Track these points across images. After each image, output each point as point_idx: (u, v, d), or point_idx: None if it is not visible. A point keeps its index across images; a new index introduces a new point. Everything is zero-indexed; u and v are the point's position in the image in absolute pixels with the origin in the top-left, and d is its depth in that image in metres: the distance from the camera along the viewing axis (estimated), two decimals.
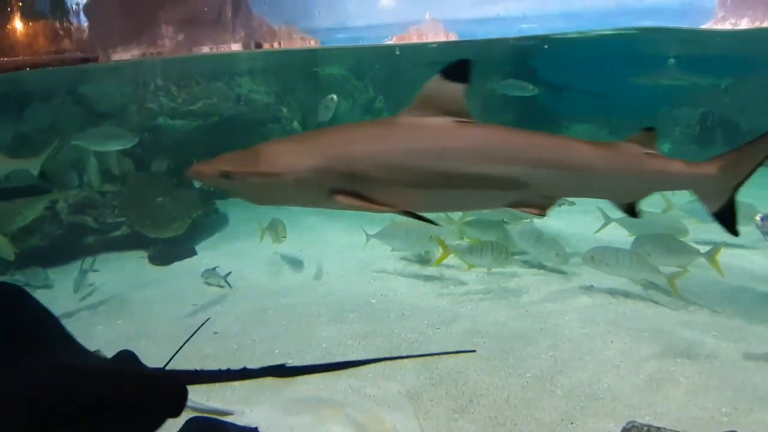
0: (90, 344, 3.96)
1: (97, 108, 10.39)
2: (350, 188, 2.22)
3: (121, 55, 9.30)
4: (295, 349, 4.80)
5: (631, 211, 2.66)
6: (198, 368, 4.44)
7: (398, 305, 5.62)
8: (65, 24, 8.46)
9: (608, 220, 6.65)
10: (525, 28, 12.83)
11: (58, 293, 6.65)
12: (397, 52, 12.72)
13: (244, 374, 4.18)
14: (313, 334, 5.07)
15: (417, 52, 13.13)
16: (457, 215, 6.65)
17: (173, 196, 7.85)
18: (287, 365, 3.96)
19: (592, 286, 5.80)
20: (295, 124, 10.84)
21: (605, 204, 3.20)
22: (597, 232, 6.85)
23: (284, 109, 10.82)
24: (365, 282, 6.34)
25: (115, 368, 2.59)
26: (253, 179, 2.27)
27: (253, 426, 3.61)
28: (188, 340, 3.89)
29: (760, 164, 2.50)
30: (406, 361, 4.55)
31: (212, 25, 10.00)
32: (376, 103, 13.49)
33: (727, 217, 2.55)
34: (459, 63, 2.38)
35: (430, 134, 2.32)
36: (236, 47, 10.75)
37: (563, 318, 5.16)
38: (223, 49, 10.03)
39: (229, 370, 4.24)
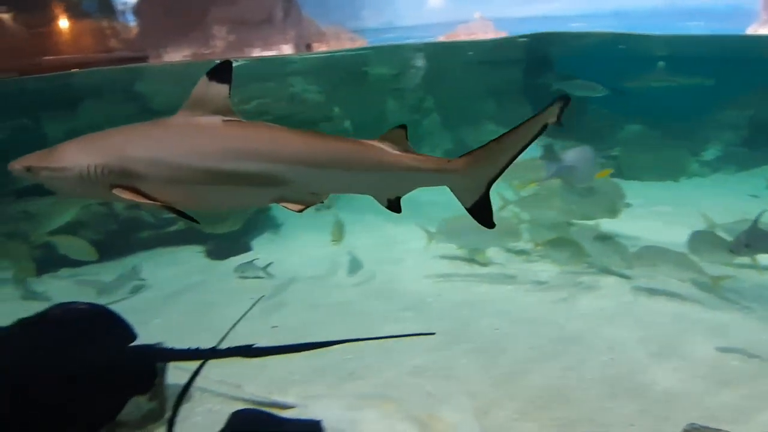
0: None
1: (151, 105, 10.68)
2: (126, 183, 2.37)
3: (172, 56, 9.52)
4: (351, 346, 4.78)
5: (393, 207, 2.74)
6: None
7: (454, 305, 5.54)
8: (113, 23, 8.64)
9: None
10: (575, 27, 12.58)
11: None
12: (470, 53, 12.64)
13: (215, 354, 3.93)
14: (368, 332, 5.04)
15: (466, 51, 13.03)
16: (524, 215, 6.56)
17: None
18: (254, 346, 3.71)
19: (650, 288, 5.60)
20: (347, 123, 10.87)
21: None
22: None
23: (336, 108, 10.87)
24: (421, 281, 6.28)
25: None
26: (45, 173, 2.46)
27: (317, 419, 3.61)
28: (242, 317, 3.91)
29: (511, 160, 2.50)
30: (465, 361, 4.47)
31: (263, 25, 10.16)
32: (425, 102, 13.42)
33: (481, 212, 2.58)
34: (221, 65, 2.54)
35: (196, 133, 2.45)
36: (287, 48, 10.90)
37: (623, 322, 4.99)
38: (274, 50, 10.19)
39: (198, 349, 3.92)
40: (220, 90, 2.49)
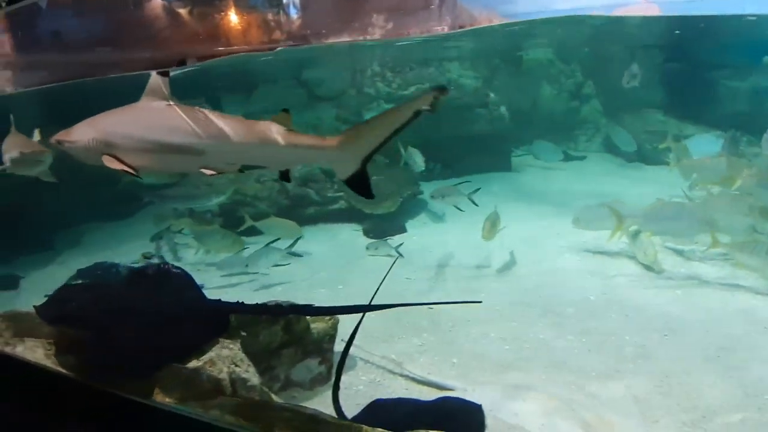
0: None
1: (317, 92, 11.38)
2: (111, 152, 3.06)
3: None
4: (510, 335, 4.72)
5: (284, 177, 3.21)
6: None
7: (620, 305, 5.19)
8: (278, 16, 9.17)
9: None
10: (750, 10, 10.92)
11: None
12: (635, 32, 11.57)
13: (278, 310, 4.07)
14: (528, 324, 4.92)
15: (628, 32, 11.95)
16: None
17: (386, 176, 8.25)
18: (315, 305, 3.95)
19: None
20: (502, 109, 10.64)
21: None
22: None
23: (491, 94, 10.69)
24: (583, 277, 5.99)
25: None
26: (67, 145, 3.18)
27: (478, 403, 3.60)
28: (383, 280, 4.02)
29: (385, 141, 2.74)
30: (632, 366, 4.19)
31: (419, 12, 10.25)
32: (585, 88, 12.65)
33: (358, 185, 2.89)
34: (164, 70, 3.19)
35: (149, 113, 3.10)
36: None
37: None
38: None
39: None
40: (165, 82, 3.14)
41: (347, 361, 4.30)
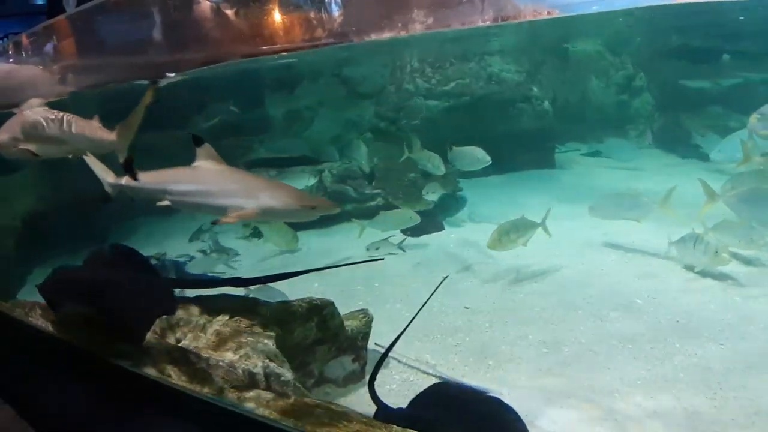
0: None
1: (358, 89, 11.36)
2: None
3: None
4: (551, 338, 4.55)
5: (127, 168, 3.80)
6: None
7: (670, 310, 4.93)
8: (320, 14, 9.17)
9: None
10: None
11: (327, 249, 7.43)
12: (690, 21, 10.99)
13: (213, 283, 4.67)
14: (569, 327, 4.74)
15: (686, 18, 11.34)
16: None
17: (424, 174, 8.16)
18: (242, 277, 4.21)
19: None
20: (546, 104, 10.35)
21: None
22: None
23: (534, 88, 10.41)
24: (629, 279, 5.73)
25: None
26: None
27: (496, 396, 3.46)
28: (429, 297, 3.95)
29: (136, 129, 3.54)
30: (682, 375, 3.95)
31: (461, 6, 10.08)
32: (636, 81, 12.16)
33: (128, 168, 3.68)
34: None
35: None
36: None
37: None
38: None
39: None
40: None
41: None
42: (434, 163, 7.54)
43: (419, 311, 3.75)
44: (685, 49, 12.09)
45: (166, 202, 4.08)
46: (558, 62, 12.19)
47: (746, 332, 4.44)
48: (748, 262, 5.78)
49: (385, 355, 3.57)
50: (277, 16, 8.91)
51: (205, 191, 3.92)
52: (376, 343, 4.32)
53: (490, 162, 7.19)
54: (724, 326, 4.57)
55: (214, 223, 3.91)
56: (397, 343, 4.43)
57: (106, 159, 4.30)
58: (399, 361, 4.33)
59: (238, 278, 4.21)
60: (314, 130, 10.59)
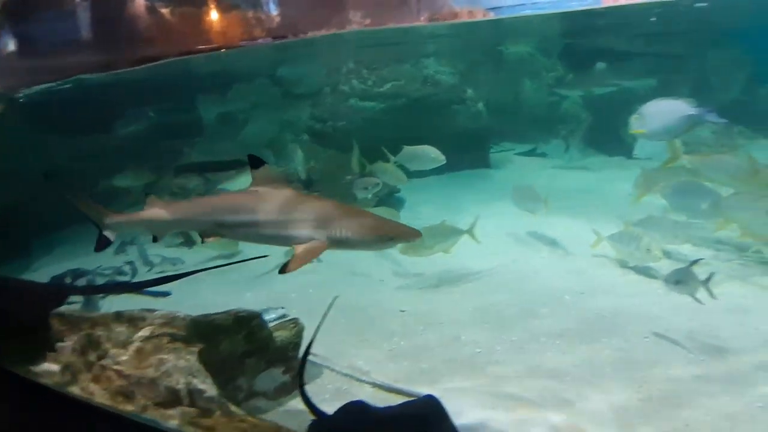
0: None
1: (293, 90, 11.17)
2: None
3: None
4: (484, 338, 4.57)
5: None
6: None
7: (597, 305, 5.06)
8: (258, 13, 9.03)
9: None
10: None
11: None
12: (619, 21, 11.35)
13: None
14: (501, 325, 4.78)
15: (615, 20, 11.83)
16: None
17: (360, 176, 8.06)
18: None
19: None
20: (480, 105, 10.51)
21: None
22: None
23: (469, 90, 10.55)
24: (559, 275, 5.86)
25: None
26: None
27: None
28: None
29: None
30: (609, 370, 4.03)
31: (398, 8, 10.11)
32: (567, 82, 12.56)
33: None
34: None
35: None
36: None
37: None
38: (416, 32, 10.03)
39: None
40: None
41: (312, 370, 4.17)
42: (396, 175, 7.30)
43: (320, 324, 3.57)
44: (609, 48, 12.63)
45: (214, 237, 3.55)
46: (492, 64, 12.41)
47: (670, 325, 4.60)
48: (670, 255, 6.03)
49: (303, 365, 3.45)
50: (214, 15, 8.61)
51: (266, 221, 3.34)
52: (310, 353, 4.21)
53: (445, 161, 7.07)
54: (649, 319, 4.72)
55: (282, 271, 3.14)
56: (330, 351, 4.38)
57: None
58: (332, 370, 4.23)
59: (126, 283, 4.03)
60: (248, 132, 10.31)
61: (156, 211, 3.65)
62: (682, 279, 4.45)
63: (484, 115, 10.46)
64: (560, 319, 4.81)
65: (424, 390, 3.83)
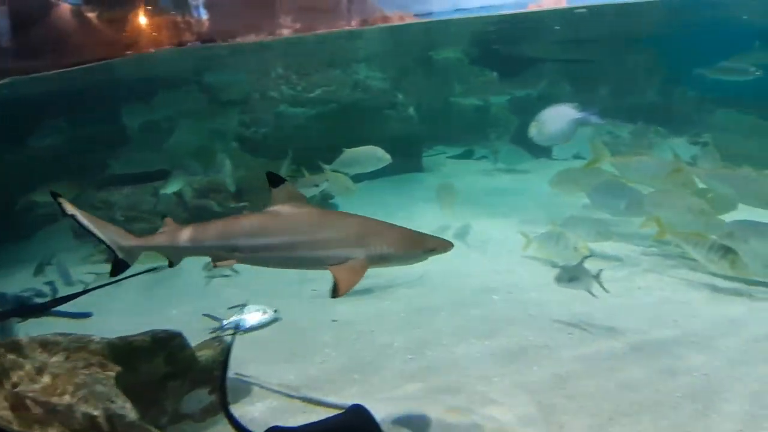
0: None
1: (221, 97, 10.90)
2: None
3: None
4: (415, 344, 4.60)
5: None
6: None
7: (525, 304, 5.21)
8: (187, 18, 8.84)
9: None
10: None
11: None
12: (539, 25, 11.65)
13: None
14: (433, 329, 4.83)
15: (539, 25, 12.27)
16: None
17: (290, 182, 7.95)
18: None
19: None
20: (411, 110, 10.62)
21: None
22: None
23: (400, 95, 10.65)
24: (488, 276, 5.99)
25: None
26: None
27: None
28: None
29: None
30: (536, 368, 4.15)
31: (329, 13, 10.08)
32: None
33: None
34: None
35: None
36: None
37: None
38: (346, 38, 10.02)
39: None
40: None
41: (241, 389, 4.06)
42: (346, 185, 7.22)
43: None
44: (536, 55, 13.12)
45: (231, 262, 3.31)
46: (422, 69, 12.59)
47: (592, 319, 4.79)
48: (594, 253, 6.27)
49: (222, 385, 3.35)
50: (142, 19, 8.26)
51: (296, 242, 3.12)
52: (236, 372, 4.12)
53: (391, 160, 7.02)
54: (572, 315, 4.90)
55: (334, 296, 2.98)
56: (261, 367, 4.28)
57: None
58: (261, 387, 4.13)
59: (34, 305, 3.83)
60: (174, 141, 9.95)
61: (175, 234, 3.42)
62: (575, 276, 4.63)
63: (415, 120, 10.57)
64: (489, 321, 4.91)
65: (356, 400, 3.83)
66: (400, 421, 3.51)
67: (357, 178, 7.43)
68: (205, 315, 5.20)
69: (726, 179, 6.04)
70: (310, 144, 8.54)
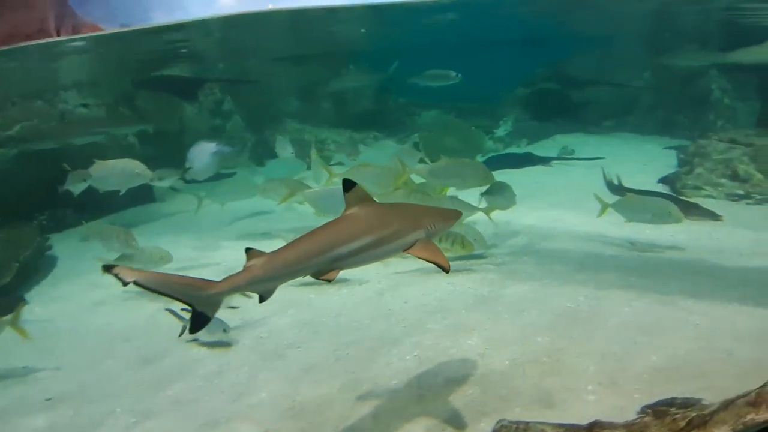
0: None
1: None
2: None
3: None
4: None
5: None
6: None
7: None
8: None
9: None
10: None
11: None
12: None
13: None
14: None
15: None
16: None
17: None
18: None
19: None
20: (131, 137, 9.97)
21: None
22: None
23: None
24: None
25: None
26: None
27: None
28: None
29: None
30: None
31: (36, 37, 8.96)
32: (224, 105, 13.03)
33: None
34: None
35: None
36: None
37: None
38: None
39: None
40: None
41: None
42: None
43: None
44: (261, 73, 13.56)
45: (335, 273, 3.27)
46: (150, 91, 12.02)
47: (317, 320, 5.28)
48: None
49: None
50: None
51: (380, 239, 3.37)
52: None
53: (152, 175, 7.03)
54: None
55: (447, 271, 3.33)
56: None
57: None
58: None
59: None
60: None
61: (264, 264, 3.16)
62: None
63: (137, 147, 10.01)
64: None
65: None
66: None
67: None
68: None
69: (437, 172, 6.74)
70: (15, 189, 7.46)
